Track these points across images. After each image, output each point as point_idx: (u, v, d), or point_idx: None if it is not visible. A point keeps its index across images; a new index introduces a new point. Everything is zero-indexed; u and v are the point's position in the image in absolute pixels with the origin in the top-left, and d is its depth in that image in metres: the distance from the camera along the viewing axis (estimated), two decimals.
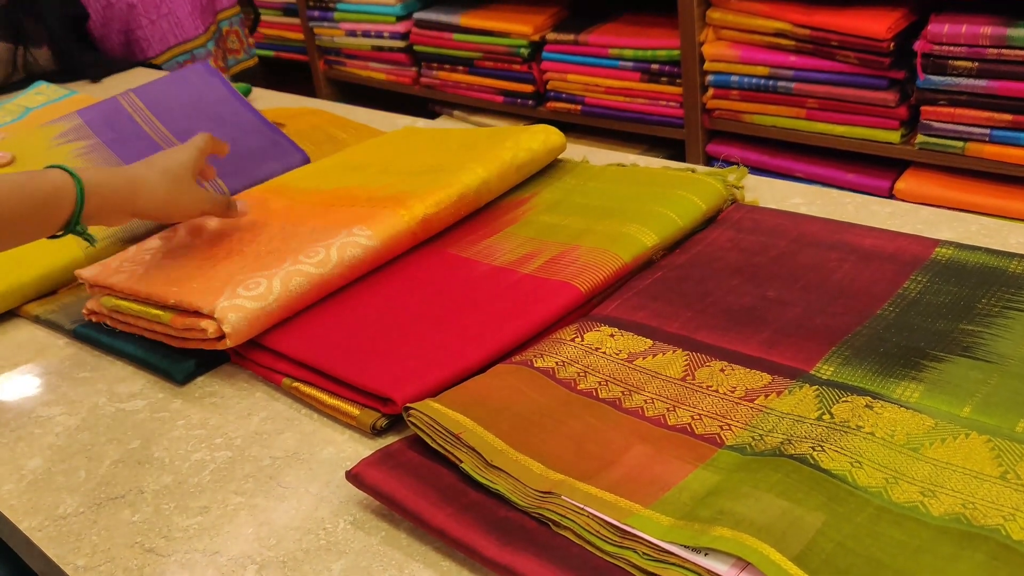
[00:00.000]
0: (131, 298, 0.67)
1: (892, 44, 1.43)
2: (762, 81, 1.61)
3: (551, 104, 1.95)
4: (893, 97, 1.47)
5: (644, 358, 0.56)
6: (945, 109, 1.42)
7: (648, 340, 0.57)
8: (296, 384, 0.60)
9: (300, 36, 2.40)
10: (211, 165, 0.76)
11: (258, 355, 0.63)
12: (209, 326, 0.60)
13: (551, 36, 1.89)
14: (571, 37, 1.85)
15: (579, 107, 1.91)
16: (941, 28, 1.37)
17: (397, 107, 2.34)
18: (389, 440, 0.55)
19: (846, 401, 0.49)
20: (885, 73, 1.46)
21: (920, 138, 1.47)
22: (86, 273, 0.71)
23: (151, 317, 0.65)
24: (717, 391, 0.52)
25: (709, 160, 1.77)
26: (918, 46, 1.40)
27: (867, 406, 0.48)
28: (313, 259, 0.65)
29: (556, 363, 0.56)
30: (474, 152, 0.79)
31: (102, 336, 0.69)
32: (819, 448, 0.46)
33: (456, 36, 2.04)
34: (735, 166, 0.78)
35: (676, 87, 1.73)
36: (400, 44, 2.16)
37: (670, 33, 1.73)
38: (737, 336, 0.57)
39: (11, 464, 0.58)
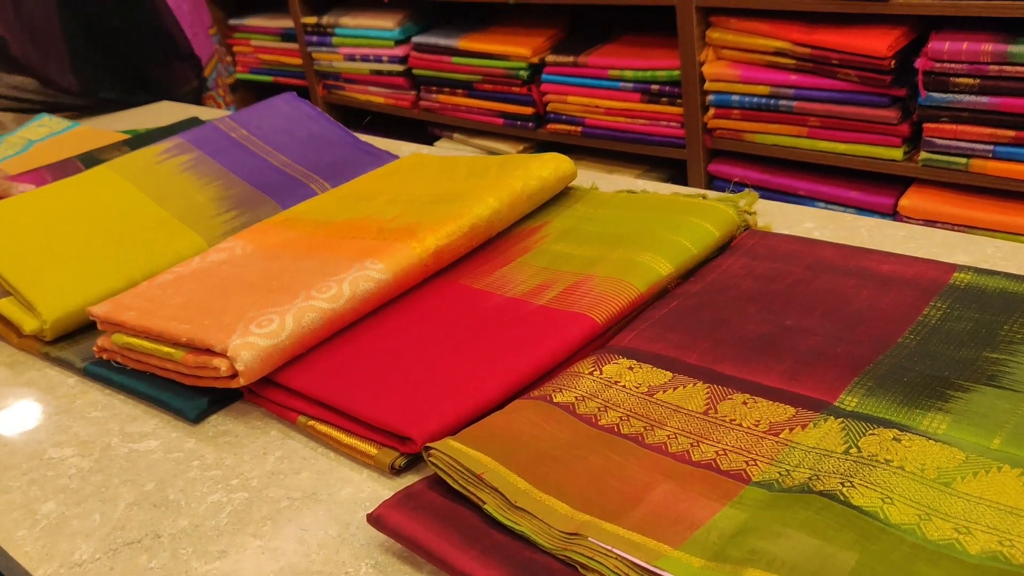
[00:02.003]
0: (142, 335, 0.66)
1: (893, 62, 1.43)
2: (763, 100, 1.61)
3: (551, 126, 1.95)
4: (895, 114, 1.47)
5: (665, 391, 0.55)
6: (948, 126, 1.42)
7: (668, 372, 0.57)
8: (311, 422, 0.59)
9: (298, 61, 2.40)
10: None
11: (272, 392, 0.62)
12: (222, 364, 0.60)
13: (550, 58, 1.90)
14: (570, 59, 1.86)
15: (579, 128, 1.91)
16: (942, 46, 1.37)
17: (396, 131, 2.35)
18: (409, 479, 0.54)
19: (873, 434, 0.48)
20: (886, 91, 1.46)
21: (923, 155, 1.47)
22: (97, 310, 0.70)
23: (163, 355, 0.64)
24: (741, 425, 0.51)
25: (711, 179, 1.77)
26: (919, 64, 1.40)
27: (895, 439, 0.48)
28: (325, 294, 0.64)
29: (575, 398, 0.55)
30: (484, 181, 0.78)
31: (113, 374, 0.68)
32: (848, 484, 0.45)
33: (455, 59, 2.04)
34: (747, 190, 0.77)
35: (677, 107, 1.74)
36: (399, 68, 2.16)
37: (670, 53, 1.73)
38: (758, 367, 0.56)
39: (24, 509, 0.57)
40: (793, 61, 1.55)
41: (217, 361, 0.60)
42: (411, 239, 0.70)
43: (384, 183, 0.85)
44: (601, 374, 0.57)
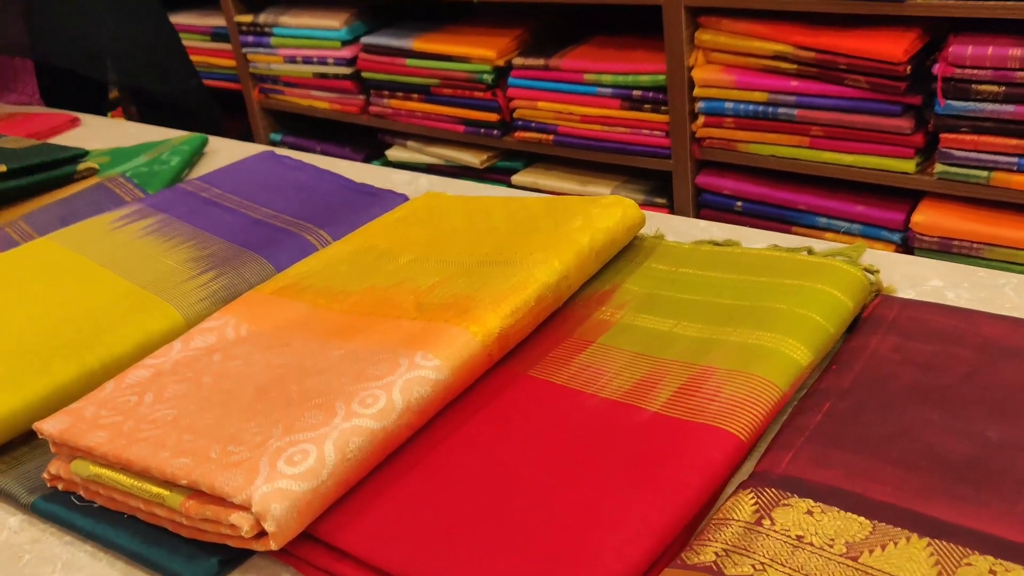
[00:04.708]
0: (118, 467, 0.49)
1: (909, 68, 1.32)
2: (760, 108, 1.49)
3: (519, 134, 1.80)
4: (908, 124, 1.37)
5: (871, 551, 0.41)
6: (968, 136, 1.32)
7: (865, 520, 0.42)
8: None
9: (231, 63, 2.20)
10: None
11: (307, 550, 0.46)
12: (243, 522, 0.43)
13: (518, 60, 1.75)
14: (541, 62, 1.71)
15: (551, 137, 1.76)
16: (964, 50, 1.26)
17: (343, 138, 2.16)
18: None
19: None
20: (900, 98, 1.35)
21: (939, 167, 1.36)
22: (49, 427, 0.52)
23: (150, 496, 0.47)
24: None
25: (699, 192, 1.65)
26: (938, 69, 1.29)
27: None
28: (372, 408, 0.48)
29: (752, 567, 0.40)
30: (539, 235, 0.63)
31: (75, 516, 0.51)
32: None
33: (409, 62, 1.88)
34: (859, 242, 0.63)
35: (662, 115, 1.60)
36: (346, 71, 1.98)
37: (653, 57, 1.60)
38: (981, 508, 0.42)
39: None
40: (794, 66, 1.43)
41: (236, 517, 0.43)
42: (466, 319, 0.54)
43: (404, 235, 0.69)
44: (773, 524, 0.42)
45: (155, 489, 0.47)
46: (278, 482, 0.44)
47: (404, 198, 0.79)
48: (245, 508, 0.43)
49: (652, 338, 0.56)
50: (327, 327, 0.58)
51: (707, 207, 1.64)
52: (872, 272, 0.61)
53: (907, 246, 1.43)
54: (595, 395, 0.52)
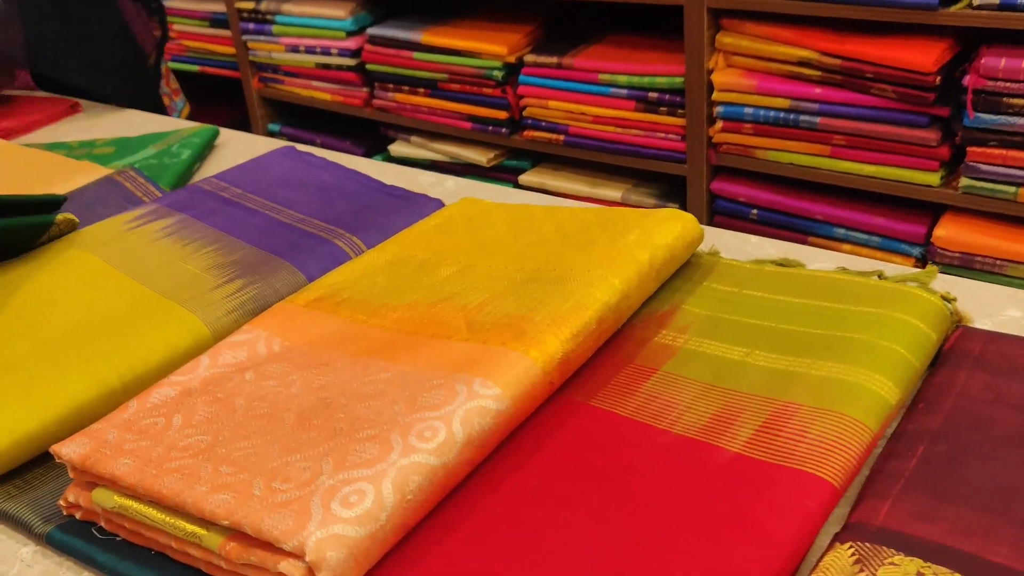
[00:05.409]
0: (147, 499, 0.44)
1: (939, 78, 1.28)
2: (781, 114, 1.45)
3: (528, 132, 1.76)
4: (935, 136, 1.33)
5: None
6: (996, 151, 1.29)
7: None
8: None
9: (230, 50, 2.14)
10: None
11: None
12: (295, 571, 0.39)
13: (529, 58, 1.70)
14: (554, 60, 1.67)
15: (562, 137, 1.72)
16: (997, 62, 1.23)
17: (343, 131, 2.11)
18: None
19: None
20: (927, 109, 1.32)
21: (964, 181, 1.33)
22: (68, 451, 0.48)
23: (184, 534, 0.43)
24: None
25: (713, 197, 1.61)
26: (969, 81, 1.26)
27: None
28: (431, 442, 0.44)
29: None
30: (593, 249, 0.58)
31: (95, 550, 0.46)
32: None
33: (417, 55, 1.83)
34: (929, 266, 0.60)
35: (678, 118, 1.56)
36: (350, 62, 1.93)
37: (670, 58, 1.56)
38: None
39: None
40: (819, 73, 1.39)
41: (287, 565, 0.39)
42: (524, 343, 0.50)
43: (444, 245, 0.64)
44: None
45: (190, 527, 0.43)
46: (333, 527, 0.39)
47: (439, 203, 0.74)
48: (297, 556, 0.39)
49: (723, 367, 0.52)
50: (369, 345, 0.53)
51: (721, 214, 1.60)
52: (949, 300, 0.57)
53: (927, 261, 1.40)
54: (668, 431, 0.48)
